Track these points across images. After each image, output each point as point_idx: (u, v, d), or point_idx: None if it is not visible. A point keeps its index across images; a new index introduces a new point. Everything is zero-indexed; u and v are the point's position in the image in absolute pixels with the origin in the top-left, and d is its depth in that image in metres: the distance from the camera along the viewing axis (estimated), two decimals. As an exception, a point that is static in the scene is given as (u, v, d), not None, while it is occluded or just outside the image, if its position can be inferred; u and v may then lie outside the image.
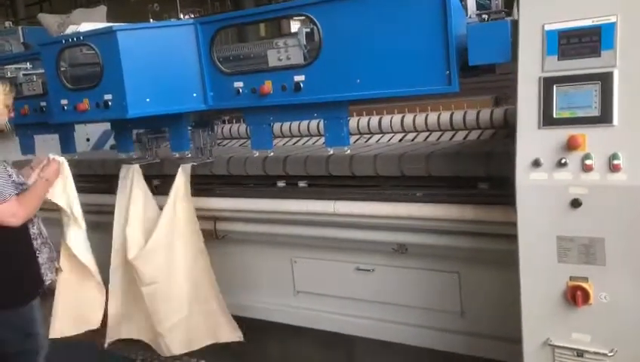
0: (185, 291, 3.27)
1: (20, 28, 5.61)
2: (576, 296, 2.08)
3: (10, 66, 4.54)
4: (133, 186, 3.35)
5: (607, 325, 2.07)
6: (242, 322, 3.43)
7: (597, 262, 2.05)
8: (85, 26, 3.12)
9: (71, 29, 3.17)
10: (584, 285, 2.07)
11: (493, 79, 3.20)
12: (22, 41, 5.25)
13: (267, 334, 3.62)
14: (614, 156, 1.99)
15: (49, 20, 3.99)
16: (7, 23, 6.69)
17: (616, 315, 2.05)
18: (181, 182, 3.24)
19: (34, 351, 2.92)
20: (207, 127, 3.49)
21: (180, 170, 3.25)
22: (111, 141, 5.05)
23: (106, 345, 3.45)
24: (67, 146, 3.86)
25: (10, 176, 2.78)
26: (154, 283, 3.21)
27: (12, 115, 3.13)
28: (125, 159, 3.57)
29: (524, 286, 2.19)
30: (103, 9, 4.09)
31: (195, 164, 3.34)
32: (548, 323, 2.17)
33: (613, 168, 1.99)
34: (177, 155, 3.39)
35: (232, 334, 3.37)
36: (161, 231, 3.19)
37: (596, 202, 2.03)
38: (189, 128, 3.44)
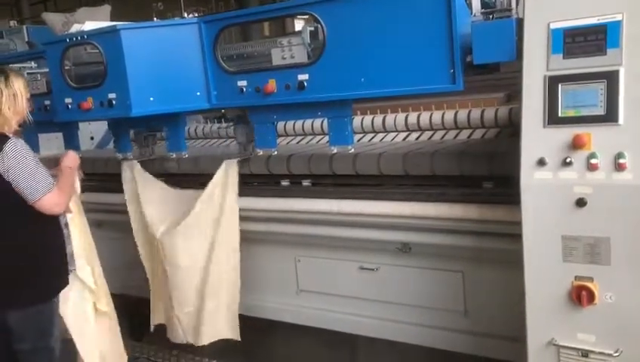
0: (207, 283, 3.29)
1: (24, 27, 5.63)
2: (581, 295, 2.07)
3: (14, 65, 4.55)
4: (135, 175, 3.42)
5: (613, 325, 2.06)
6: (246, 321, 3.42)
7: (602, 261, 2.04)
8: (89, 25, 3.13)
9: (75, 28, 3.18)
10: (589, 285, 2.07)
11: (498, 77, 3.19)
12: (26, 40, 5.26)
13: (270, 333, 3.61)
14: (620, 155, 1.98)
15: (53, 19, 3.99)
16: (11, 22, 6.72)
17: (621, 315, 2.04)
18: (219, 176, 3.21)
19: (47, 351, 2.85)
20: (248, 123, 3.42)
21: (223, 165, 3.22)
22: (115, 139, 5.05)
23: (151, 329, 3.56)
24: (71, 145, 3.87)
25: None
26: (178, 266, 3.27)
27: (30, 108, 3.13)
28: (123, 158, 3.63)
29: (529, 286, 2.19)
30: (107, 8, 4.09)
31: (239, 159, 3.30)
32: (553, 323, 2.16)
33: (619, 167, 1.98)
34: (174, 155, 3.44)
35: (233, 332, 3.37)
36: (193, 219, 3.22)
37: (601, 201, 2.02)
38: (223, 124, 3.41)
